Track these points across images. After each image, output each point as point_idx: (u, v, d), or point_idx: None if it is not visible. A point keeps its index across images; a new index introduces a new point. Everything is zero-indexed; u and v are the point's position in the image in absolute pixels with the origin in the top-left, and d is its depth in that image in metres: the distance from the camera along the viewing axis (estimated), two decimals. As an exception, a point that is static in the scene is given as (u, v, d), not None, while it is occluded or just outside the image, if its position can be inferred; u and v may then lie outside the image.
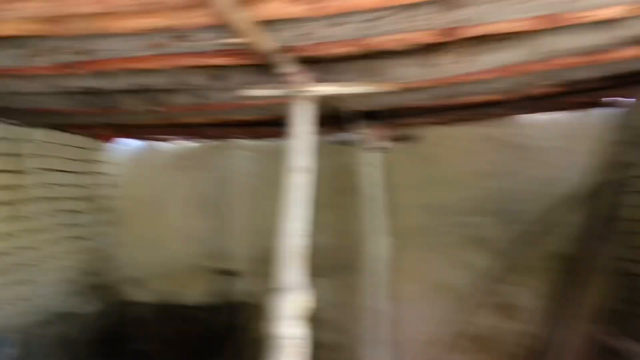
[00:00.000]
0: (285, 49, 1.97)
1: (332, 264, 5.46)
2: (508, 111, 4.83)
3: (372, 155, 4.37)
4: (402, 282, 5.47)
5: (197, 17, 1.52)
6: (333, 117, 3.77)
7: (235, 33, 1.62)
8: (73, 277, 4.92)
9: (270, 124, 4.51)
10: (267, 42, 1.86)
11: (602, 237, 5.10)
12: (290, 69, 2.04)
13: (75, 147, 4.94)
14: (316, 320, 5.46)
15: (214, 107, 3.17)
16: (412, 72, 2.54)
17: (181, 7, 1.45)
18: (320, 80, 2.47)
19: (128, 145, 5.62)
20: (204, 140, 5.44)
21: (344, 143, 4.70)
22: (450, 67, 2.49)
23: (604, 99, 4.81)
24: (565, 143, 5.31)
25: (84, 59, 2.00)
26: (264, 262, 5.54)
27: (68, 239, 4.83)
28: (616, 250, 5.13)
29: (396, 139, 5.37)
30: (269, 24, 1.80)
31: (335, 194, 5.30)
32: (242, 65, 2.26)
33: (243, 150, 5.60)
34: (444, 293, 5.45)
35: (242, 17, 1.57)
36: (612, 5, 1.96)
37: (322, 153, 4.93)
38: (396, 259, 5.45)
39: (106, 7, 1.45)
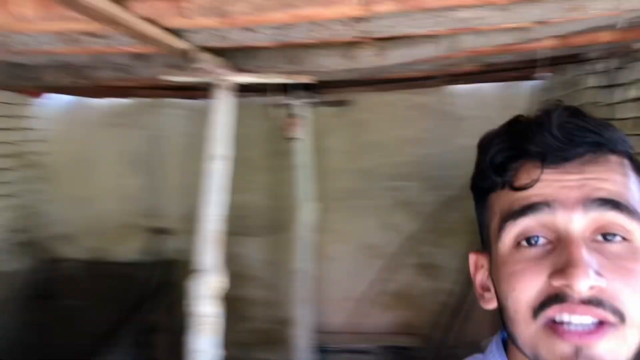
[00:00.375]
0: (200, 48, 2.02)
1: (265, 224, 5.63)
2: (439, 83, 5.00)
3: (303, 120, 4.47)
4: (331, 243, 5.71)
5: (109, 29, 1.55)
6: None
7: (144, 39, 1.66)
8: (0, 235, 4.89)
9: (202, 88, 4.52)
10: (179, 43, 1.91)
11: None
12: (206, 61, 2.09)
13: (-1, 102, 4.81)
14: (250, 277, 5.68)
15: (138, 82, 3.18)
16: (332, 62, 2.62)
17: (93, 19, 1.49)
18: (240, 68, 2.53)
19: (57, 101, 5.49)
20: (136, 98, 5.37)
21: (280, 106, 4.75)
22: (370, 59, 2.58)
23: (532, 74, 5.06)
24: (491, 113, 5.56)
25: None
26: (195, 221, 5.72)
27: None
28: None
29: (329, 104, 5.49)
30: (181, 31, 1.85)
31: (270, 156, 5.41)
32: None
33: (175, 109, 5.58)
34: (370, 253, 5.71)
35: (149, 29, 1.62)
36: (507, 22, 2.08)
37: (259, 115, 5.09)
38: (326, 220, 5.67)
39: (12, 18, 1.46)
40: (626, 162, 0.65)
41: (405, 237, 5.63)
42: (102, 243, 5.68)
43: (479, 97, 5.60)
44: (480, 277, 0.74)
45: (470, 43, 2.55)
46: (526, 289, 0.61)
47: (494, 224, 0.68)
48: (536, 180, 0.63)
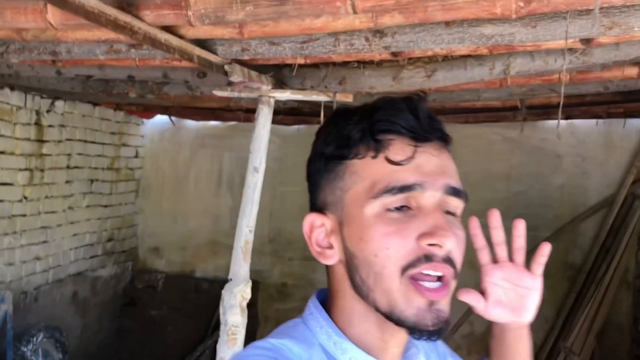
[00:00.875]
0: (229, 61, 2.10)
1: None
2: (530, 116, 4.79)
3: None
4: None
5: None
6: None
7: (167, 49, 1.76)
8: (92, 242, 5.26)
9: (289, 113, 4.67)
10: (211, 57, 1.99)
11: (616, 250, 5.02)
12: (244, 76, 2.16)
13: (102, 119, 5.23)
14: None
15: (206, 98, 3.34)
16: (382, 83, 2.61)
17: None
18: (289, 86, 2.59)
19: (158, 121, 5.88)
20: (228, 120, 5.63)
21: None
22: (418, 80, 2.54)
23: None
24: (592, 152, 5.23)
25: (61, 58, 2.21)
26: (275, 243, 5.83)
27: (90, 205, 5.16)
28: (628, 264, 5.04)
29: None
30: (207, 43, 1.94)
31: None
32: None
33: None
34: (455, 295, 5.50)
35: (171, 39, 1.71)
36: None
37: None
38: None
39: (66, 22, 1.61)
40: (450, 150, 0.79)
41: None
42: (189, 258, 5.94)
43: (578, 134, 5.28)
44: (317, 236, 0.78)
45: (525, 66, 2.43)
46: (397, 248, 0.71)
47: (360, 188, 0.74)
48: (411, 158, 0.72)
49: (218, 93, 2.45)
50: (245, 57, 2.04)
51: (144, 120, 5.92)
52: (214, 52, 2.00)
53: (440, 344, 0.96)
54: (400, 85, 2.56)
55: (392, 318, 0.72)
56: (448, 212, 0.75)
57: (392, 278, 0.71)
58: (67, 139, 4.81)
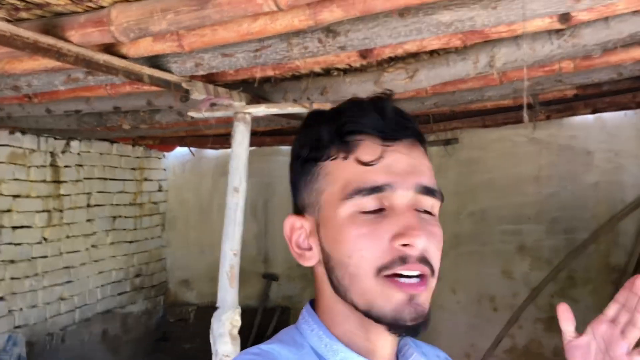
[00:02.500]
0: (187, 78, 2.02)
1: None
2: (549, 113, 4.56)
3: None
4: (444, 293, 5.34)
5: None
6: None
7: (115, 71, 1.70)
8: (119, 278, 5.27)
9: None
10: (167, 76, 1.92)
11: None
12: (208, 92, 2.08)
13: (120, 155, 5.28)
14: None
15: (197, 123, 3.29)
16: (364, 90, 2.49)
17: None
18: (268, 100, 2.50)
19: (179, 153, 5.90)
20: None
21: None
22: (401, 82, 2.41)
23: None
24: (624, 145, 4.93)
25: (24, 92, 2.19)
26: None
27: (114, 242, 5.18)
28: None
29: (433, 143, 5.25)
30: (155, 61, 1.87)
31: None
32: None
33: (285, 156, 5.70)
34: (490, 305, 5.26)
35: (111, 60, 1.64)
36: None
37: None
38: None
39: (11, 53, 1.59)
40: (424, 150, 0.78)
41: (530, 287, 5.08)
42: (214, 287, 5.87)
43: (608, 127, 5.00)
44: (297, 237, 0.79)
45: (511, 56, 2.27)
46: (371, 250, 0.71)
47: (334, 189, 0.74)
48: (380, 158, 0.72)
49: (193, 114, 2.39)
50: (201, 72, 1.96)
51: (165, 153, 5.96)
52: (169, 71, 1.94)
53: (442, 353, 0.94)
54: (382, 89, 2.43)
55: (371, 315, 0.72)
56: (424, 211, 0.75)
57: (367, 278, 0.71)
58: (85, 178, 4.86)
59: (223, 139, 5.12)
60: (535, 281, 5.04)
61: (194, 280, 5.95)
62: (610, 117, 4.92)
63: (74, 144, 4.74)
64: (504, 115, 4.44)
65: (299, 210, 0.80)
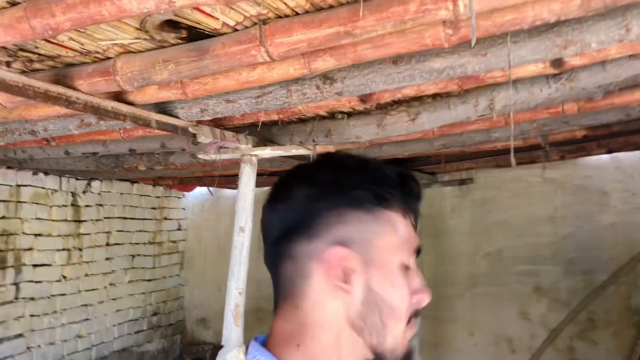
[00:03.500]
0: (194, 123, 2.12)
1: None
2: (564, 153, 4.57)
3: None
4: (460, 334, 5.29)
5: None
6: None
7: (122, 117, 1.79)
8: (137, 316, 5.33)
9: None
10: (175, 121, 2.02)
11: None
12: (214, 136, 2.17)
13: (141, 195, 5.40)
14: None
15: (208, 165, 3.39)
16: (367, 132, 2.56)
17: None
18: (275, 142, 2.58)
19: (195, 193, 6.02)
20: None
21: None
22: (403, 125, 2.48)
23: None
24: (631, 185, 4.90)
25: (41, 137, 2.31)
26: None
27: (132, 281, 5.26)
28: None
29: (448, 183, 5.27)
30: (163, 107, 1.97)
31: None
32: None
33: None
34: (507, 347, 5.18)
35: (119, 107, 1.74)
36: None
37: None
38: (454, 309, 5.30)
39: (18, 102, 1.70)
40: None
41: (549, 329, 4.99)
42: (233, 327, 5.89)
43: (624, 167, 4.97)
44: (344, 268, 0.79)
45: (509, 100, 2.32)
46: (409, 300, 0.79)
47: (394, 239, 0.79)
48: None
49: (202, 156, 2.47)
50: (207, 117, 2.05)
51: (185, 193, 6.07)
52: (176, 116, 2.03)
53: None
54: (385, 132, 2.50)
55: (381, 354, 0.78)
56: None
57: (403, 324, 0.79)
58: (106, 217, 4.98)
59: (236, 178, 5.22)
60: (553, 323, 4.96)
61: (210, 319, 5.97)
62: (625, 157, 4.91)
63: (95, 184, 4.87)
64: (517, 155, 4.46)
65: (337, 242, 0.78)
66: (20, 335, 4.10)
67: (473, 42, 1.18)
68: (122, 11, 1.14)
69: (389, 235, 0.79)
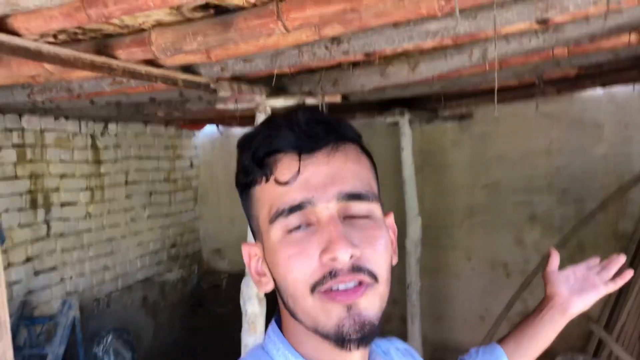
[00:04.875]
0: (215, 79, 2.35)
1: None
2: (561, 88, 4.77)
3: (407, 137, 4.58)
4: (460, 260, 5.66)
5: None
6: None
7: (154, 78, 2.03)
8: (157, 249, 5.71)
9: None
10: (198, 78, 2.25)
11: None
12: (232, 90, 2.41)
13: (154, 135, 5.67)
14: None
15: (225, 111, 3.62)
16: (371, 81, 2.78)
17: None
18: (286, 91, 2.82)
19: (206, 131, 6.27)
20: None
21: (395, 124, 4.89)
22: (404, 74, 2.70)
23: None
24: (634, 118, 5.12)
25: (79, 93, 2.55)
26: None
27: (150, 216, 5.61)
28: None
29: (448, 118, 5.50)
30: (189, 67, 2.20)
31: (387, 174, 5.57)
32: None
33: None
34: (503, 271, 5.55)
35: (152, 70, 1.98)
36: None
37: (379, 134, 5.27)
38: (453, 237, 5.65)
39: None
40: (358, 147, 0.77)
41: (542, 254, 5.34)
42: (245, 257, 6.29)
43: (618, 101, 5.18)
44: (255, 264, 0.80)
45: (501, 50, 2.53)
46: (302, 269, 0.70)
47: (263, 214, 0.74)
48: (297, 174, 0.71)
49: (220, 106, 2.71)
50: (226, 75, 2.28)
51: (196, 132, 6.33)
52: (198, 74, 2.26)
53: (400, 344, 0.97)
54: (387, 80, 2.72)
55: (318, 334, 0.71)
56: (360, 217, 0.73)
57: (304, 298, 0.70)
58: (123, 158, 5.26)
59: (248, 119, 5.45)
60: (545, 248, 5.28)
61: (225, 250, 6.37)
62: (619, 90, 5.10)
63: (112, 126, 5.12)
64: (513, 92, 4.67)
65: (255, 237, 0.80)
66: (53, 268, 4.47)
67: (457, 11, 1.41)
68: (165, 2, 1.36)
69: (261, 213, 0.75)
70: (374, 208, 0.74)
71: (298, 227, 0.71)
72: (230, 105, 2.69)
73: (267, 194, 0.73)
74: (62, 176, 4.58)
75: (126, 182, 5.30)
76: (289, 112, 0.75)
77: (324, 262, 0.69)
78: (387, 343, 0.93)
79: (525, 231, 5.46)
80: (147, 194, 5.57)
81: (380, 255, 0.72)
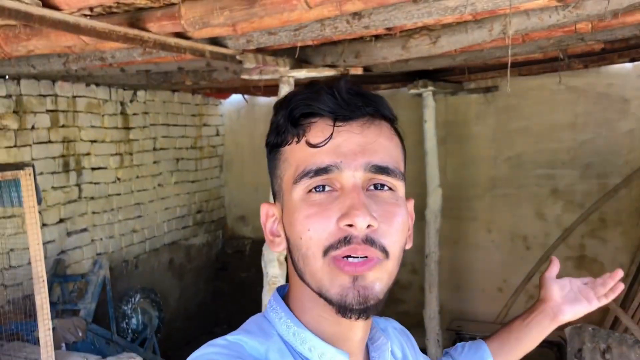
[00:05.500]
0: (240, 51, 2.43)
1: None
2: (589, 62, 4.74)
3: (430, 109, 4.61)
4: (480, 231, 5.72)
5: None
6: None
7: (183, 50, 2.13)
8: (183, 214, 5.89)
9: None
10: (224, 50, 2.34)
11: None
12: (257, 61, 2.49)
13: (181, 103, 5.79)
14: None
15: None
16: (393, 53, 2.84)
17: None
18: (309, 63, 2.89)
19: (232, 100, 6.37)
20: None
21: (418, 95, 4.92)
22: (425, 47, 2.75)
23: None
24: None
25: (108, 62, 2.66)
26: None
27: (177, 182, 5.77)
28: None
29: (473, 90, 5.50)
30: (215, 39, 2.29)
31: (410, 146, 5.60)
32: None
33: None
34: (523, 244, 5.60)
35: (180, 42, 2.07)
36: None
37: (403, 105, 5.30)
38: (475, 209, 5.70)
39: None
40: (391, 127, 0.79)
41: (562, 228, 5.38)
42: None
43: (633, 76, 5.12)
44: (270, 225, 0.81)
45: (522, 25, 2.56)
46: (318, 230, 0.71)
47: (289, 174, 0.75)
48: (329, 138, 0.72)
49: (245, 77, 2.80)
50: (252, 47, 2.37)
51: (222, 100, 6.44)
52: (225, 46, 2.35)
53: (397, 324, 0.99)
54: (409, 53, 2.78)
55: (322, 298, 0.72)
56: (377, 186, 0.75)
57: (315, 259, 0.71)
58: (151, 124, 5.40)
59: (273, 89, 5.53)
60: (567, 223, 5.32)
61: (249, 216, 6.53)
62: (646, 65, 5.04)
63: (140, 93, 5.25)
64: (539, 65, 4.66)
65: (273, 198, 0.81)
66: (84, 230, 4.67)
67: None
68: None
69: (286, 173, 0.76)
70: (398, 186, 0.76)
71: (321, 190, 0.72)
72: (255, 76, 2.78)
73: (295, 155, 0.74)
74: (93, 141, 4.73)
75: (154, 149, 5.45)
76: (331, 79, 0.83)
77: (341, 227, 0.70)
78: (385, 322, 0.95)
79: (547, 205, 5.49)
80: (174, 161, 5.72)
81: (395, 232, 0.73)
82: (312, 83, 0.78)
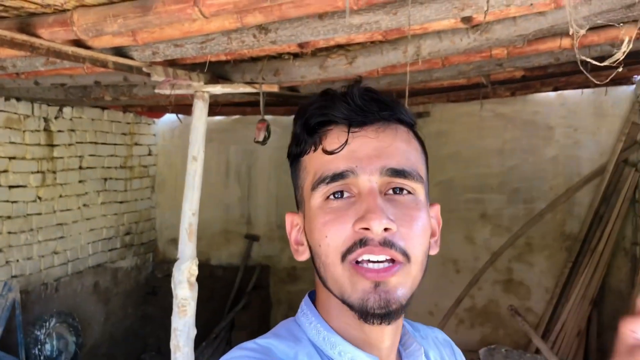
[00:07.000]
0: (148, 63, 2.37)
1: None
2: (515, 90, 4.89)
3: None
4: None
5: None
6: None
7: (82, 60, 2.05)
8: (110, 235, 5.68)
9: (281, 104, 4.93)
10: (129, 62, 2.27)
11: (609, 218, 5.04)
12: (167, 75, 2.43)
13: (111, 121, 5.64)
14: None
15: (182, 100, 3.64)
16: (311, 72, 2.83)
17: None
18: (228, 79, 2.85)
19: (165, 119, 6.25)
20: (228, 114, 5.93)
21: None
22: (342, 67, 2.75)
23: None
24: (583, 121, 5.26)
25: (9, 72, 2.55)
26: (282, 229, 6.11)
27: (105, 202, 5.58)
28: (624, 231, 5.05)
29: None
30: (117, 49, 2.22)
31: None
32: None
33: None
34: (450, 266, 5.65)
35: (79, 51, 2.00)
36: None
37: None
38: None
39: None
40: (410, 131, 0.80)
41: (491, 252, 5.46)
42: (204, 247, 6.27)
43: (568, 104, 5.31)
44: (295, 234, 0.82)
45: (434, 47, 2.59)
46: (335, 236, 0.72)
47: (307, 182, 0.77)
48: (344, 144, 0.73)
49: (159, 91, 2.73)
50: (158, 59, 2.31)
51: (155, 120, 6.30)
52: (131, 57, 2.28)
53: (440, 334, 0.96)
54: (327, 72, 2.77)
55: (345, 304, 0.72)
56: (396, 190, 0.75)
57: (335, 266, 0.72)
58: (78, 142, 5.22)
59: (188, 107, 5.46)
60: (495, 246, 5.42)
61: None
62: (570, 94, 5.24)
63: (67, 110, 5.09)
64: (466, 92, 4.77)
65: (298, 207, 0.82)
66: (-1, 251, 4.44)
67: (347, 14, 1.46)
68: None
69: (305, 182, 0.77)
70: (418, 188, 0.75)
71: (339, 196, 0.73)
72: (167, 90, 2.72)
73: (313, 163, 0.76)
74: (12, 158, 4.53)
75: (80, 167, 5.27)
76: (346, 86, 0.78)
77: (357, 231, 0.70)
78: (428, 330, 0.94)
79: (476, 229, 5.58)
80: (101, 180, 5.54)
81: (415, 236, 0.73)
82: (325, 92, 0.79)
